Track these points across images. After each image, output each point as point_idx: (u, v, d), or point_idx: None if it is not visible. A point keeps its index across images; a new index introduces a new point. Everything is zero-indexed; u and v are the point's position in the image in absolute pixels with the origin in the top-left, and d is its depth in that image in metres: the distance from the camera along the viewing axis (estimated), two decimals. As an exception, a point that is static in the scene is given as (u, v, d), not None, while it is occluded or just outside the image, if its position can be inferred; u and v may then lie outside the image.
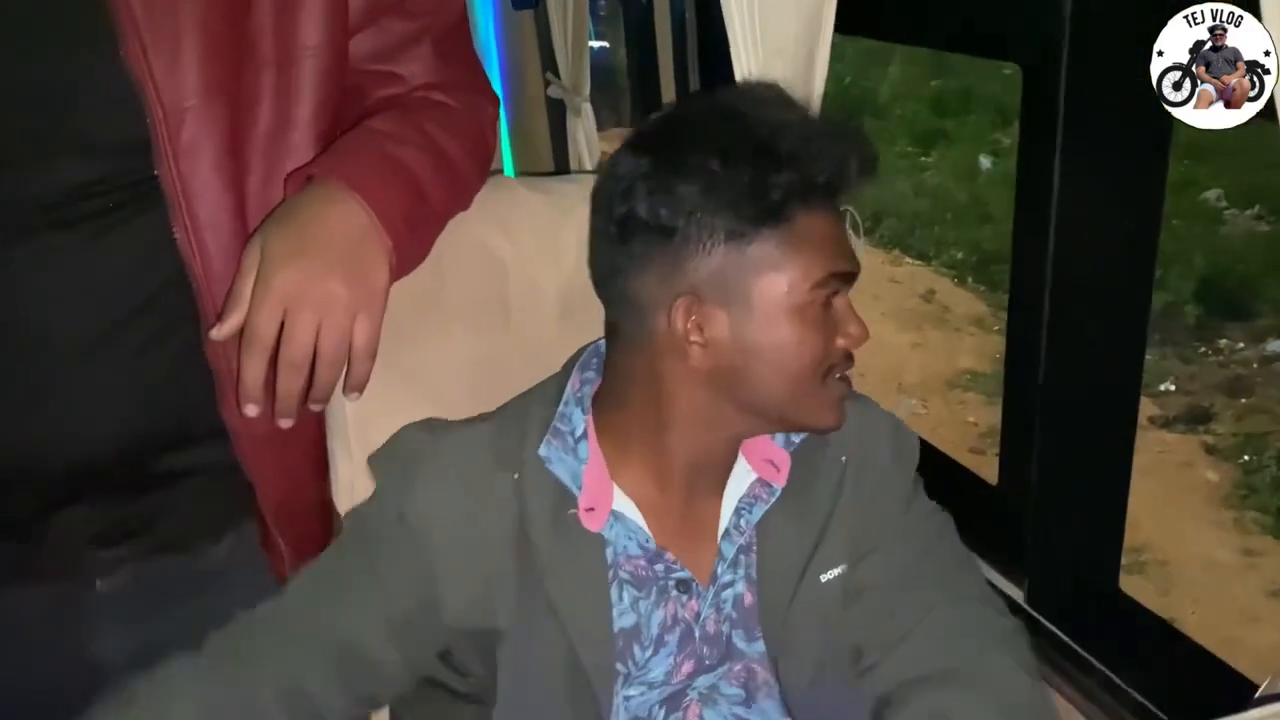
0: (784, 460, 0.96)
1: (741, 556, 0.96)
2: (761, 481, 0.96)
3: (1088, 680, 1.12)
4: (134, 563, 1.00)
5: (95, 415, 0.94)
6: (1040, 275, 1.11)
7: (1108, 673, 1.11)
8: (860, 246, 1.15)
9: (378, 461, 0.98)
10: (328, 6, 0.96)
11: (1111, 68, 0.97)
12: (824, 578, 0.95)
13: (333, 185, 0.92)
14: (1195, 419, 4.21)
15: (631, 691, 0.94)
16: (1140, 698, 1.08)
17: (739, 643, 0.96)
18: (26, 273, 0.90)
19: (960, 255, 5.62)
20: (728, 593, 0.95)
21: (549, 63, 2.16)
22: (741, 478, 0.96)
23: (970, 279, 5.43)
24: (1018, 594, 1.23)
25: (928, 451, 1.43)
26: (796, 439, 0.97)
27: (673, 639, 0.94)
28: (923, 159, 6.63)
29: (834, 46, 1.17)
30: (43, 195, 0.89)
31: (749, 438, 0.96)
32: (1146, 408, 4.17)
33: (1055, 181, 1.06)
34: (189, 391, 0.98)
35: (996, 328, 4.84)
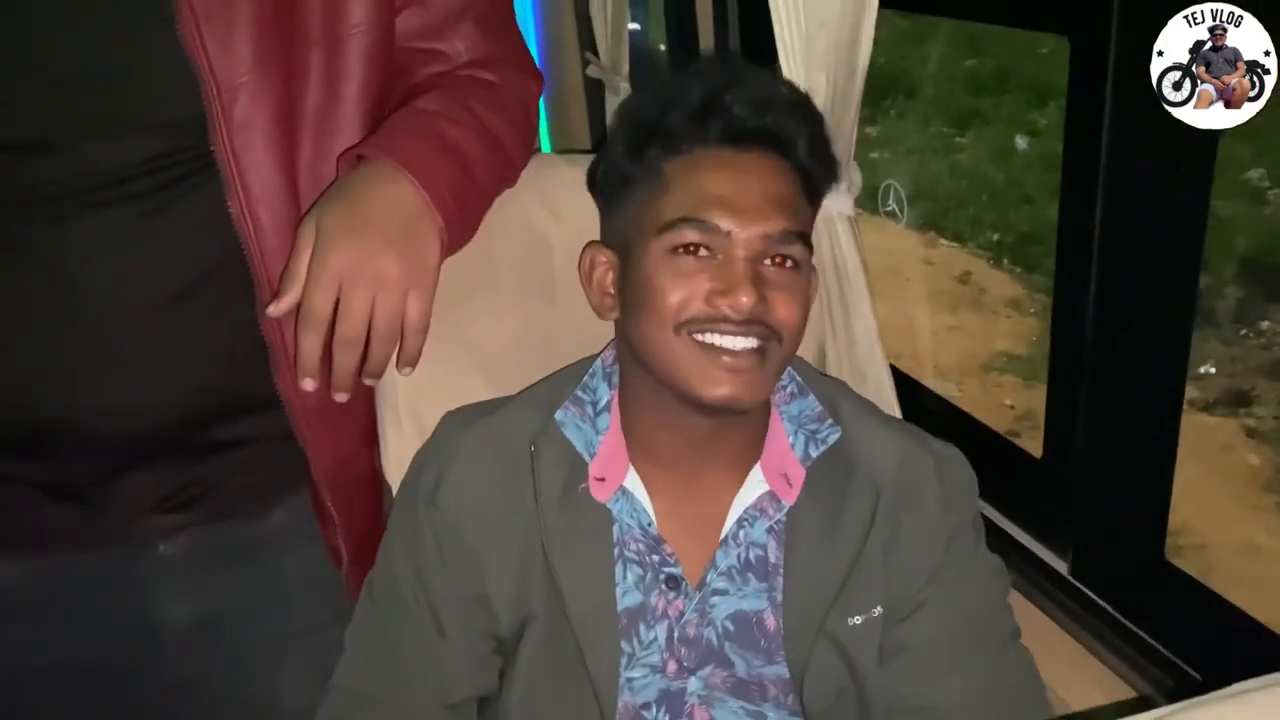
0: (798, 476, 0.94)
1: (755, 579, 0.94)
2: (771, 495, 0.94)
3: (1132, 651, 1.12)
4: (194, 528, 1.03)
5: (155, 384, 0.96)
6: (1087, 250, 1.10)
7: (1153, 643, 1.11)
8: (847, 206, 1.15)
9: (420, 459, 1.00)
10: None
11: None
12: (853, 620, 0.93)
13: (385, 165, 0.94)
14: (1236, 402, 4.14)
15: (635, 673, 0.94)
16: (1186, 667, 1.07)
17: (741, 658, 0.94)
18: (86, 246, 0.92)
19: (996, 237, 5.55)
20: (719, 600, 0.94)
21: (588, 42, 2.16)
22: (754, 487, 0.95)
23: (1006, 261, 5.36)
24: (1062, 566, 1.22)
25: (971, 425, 1.43)
26: (814, 453, 0.95)
27: (661, 630, 0.94)
28: (958, 139, 6.55)
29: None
30: (101, 172, 0.91)
31: (689, 425, 0.93)
32: (1186, 390, 4.12)
33: (1103, 156, 1.05)
34: (245, 363, 1.00)
35: (1033, 310, 4.78)
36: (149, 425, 0.97)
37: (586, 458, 0.94)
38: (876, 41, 1.15)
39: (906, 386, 1.28)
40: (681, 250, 0.88)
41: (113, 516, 1.01)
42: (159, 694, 1.07)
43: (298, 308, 0.93)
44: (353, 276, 0.91)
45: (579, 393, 0.97)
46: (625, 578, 0.93)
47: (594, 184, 1.02)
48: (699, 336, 0.87)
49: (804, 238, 0.91)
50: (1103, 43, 1.02)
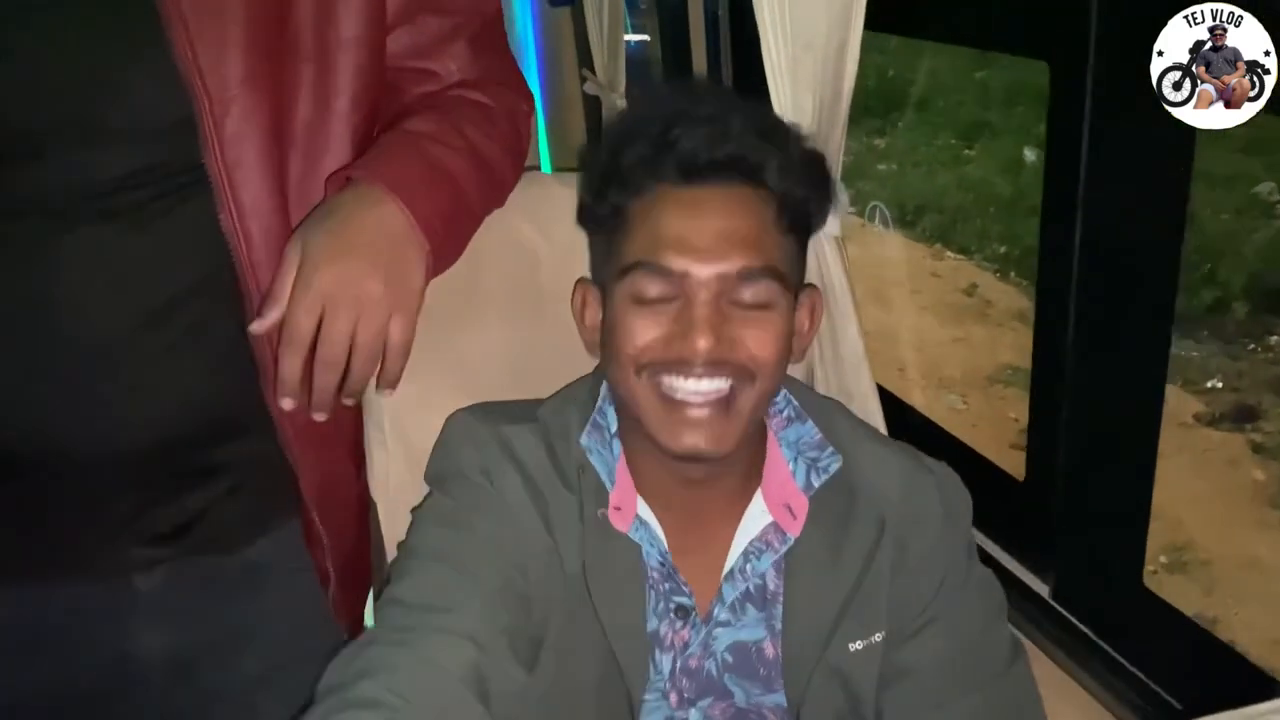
0: (801, 506, 0.93)
1: (753, 608, 0.93)
2: (775, 526, 0.93)
3: (1113, 677, 1.11)
4: (173, 562, 1.02)
5: (137, 403, 0.96)
6: (1067, 271, 1.11)
7: (1132, 669, 1.11)
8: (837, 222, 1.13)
9: (440, 451, 0.97)
10: (366, 2, 0.99)
11: (1137, 63, 0.98)
12: (854, 646, 0.91)
13: (374, 188, 0.95)
14: (1242, 417, 4.13)
15: (649, 696, 0.93)
16: (1166, 695, 1.07)
17: (739, 688, 0.93)
18: (69, 261, 0.92)
19: (1003, 249, 5.55)
20: (720, 632, 0.93)
21: (585, 59, 2.17)
22: (757, 519, 0.94)
23: (1013, 273, 5.35)
24: (1044, 589, 1.22)
25: (956, 447, 1.43)
26: (816, 482, 0.93)
27: (666, 661, 0.93)
28: (966, 151, 6.55)
29: (877, 39, 1.17)
30: (88, 184, 0.91)
31: (669, 460, 0.90)
32: (1192, 405, 4.10)
33: (1082, 176, 1.06)
34: (229, 381, 1.00)
35: (1039, 323, 4.78)
36: (129, 447, 0.96)
37: (608, 485, 0.93)
38: (886, 53, 1.16)
39: (892, 405, 1.28)
40: (643, 300, 0.87)
41: (89, 548, 1.00)
42: None
43: (280, 326, 0.93)
44: (337, 298, 0.92)
45: (596, 418, 0.95)
46: (651, 603, 0.92)
47: (580, 220, 1.01)
48: (663, 383, 0.86)
49: (773, 272, 0.87)
50: (1080, 66, 1.04)
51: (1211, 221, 4.79)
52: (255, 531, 1.07)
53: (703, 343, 0.83)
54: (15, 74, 0.88)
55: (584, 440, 0.93)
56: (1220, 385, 4.34)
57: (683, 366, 0.84)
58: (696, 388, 0.85)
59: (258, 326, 0.93)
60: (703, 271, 0.85)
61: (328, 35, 0.98)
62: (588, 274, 1.11)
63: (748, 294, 0.86)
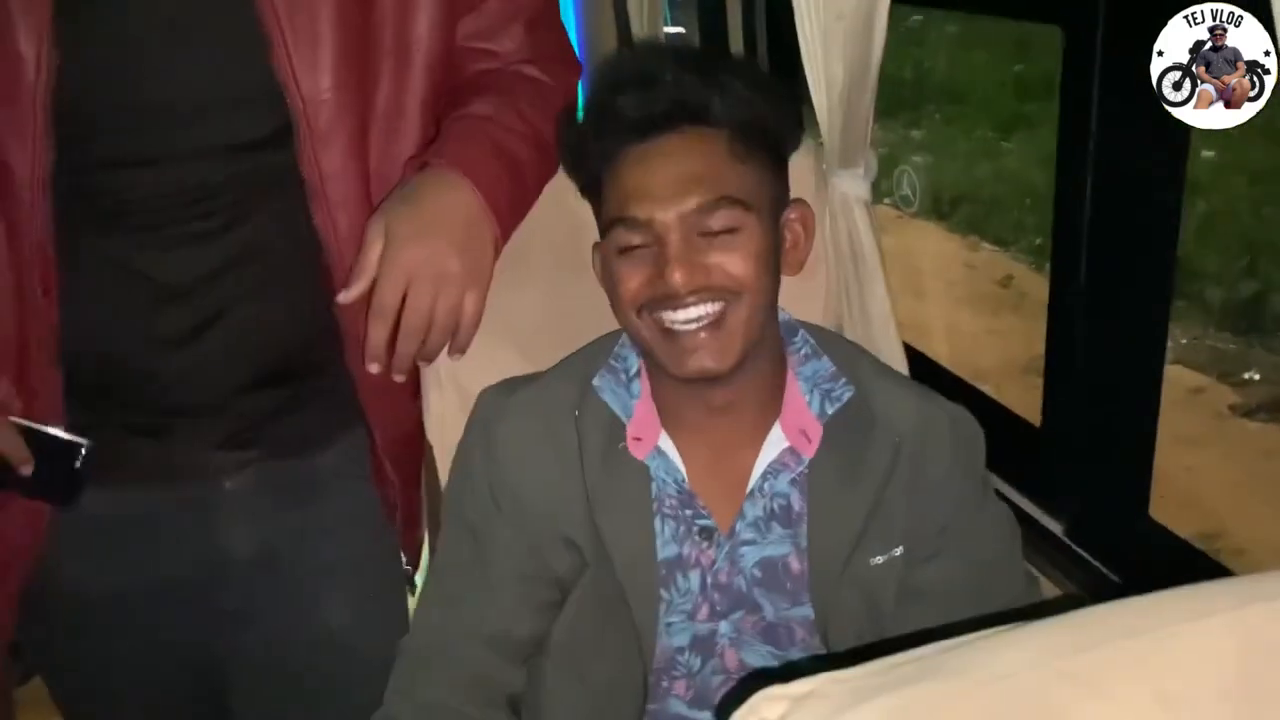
0: (816, 431, 1.00)
1: (779, 526, 1.00)
2: (792, 450, 1.01)
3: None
4: (255, 465, 1.13)
5: (229, 357, 1.08)
6: (1078, 235, 1.17)
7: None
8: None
9: (469, 426, 1.07)
10: None
11: (1147, 30, 1.03)
12: (874, 560, 0.99)
13: (449, 173, 1.03)
14: (1279, 408, 4.11)
15: (673, 619, 1.00)
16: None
17: (769, 601, 1.00)
18: (171, 252, 1.03)
19: (1039, 241, 5.52)
20: (747, 549, 1.00)
21: (627, 42, 2.20)
22: (775, 444, 1.01)
23: (1048, 265, 5.33)
24: (1058, 528, 1.29)
25: (978, 396, 1.49)
26: (830, 410, 1.01)
27: (694, 578, 1.00)
28: (1003, 144, 6.52)
29: (915, 31, 1.23)
30: (190, 188, 1.02)
31: (683, 386, 0.99)
32: (1227, 396, 4.08)
33: (1091, 145, 1.11)
34: (307, 343, 1.11)
35: (1075, 314, 4.76)
36: (224, 386, 1.09)
37: (624, 419, 1.01)
38: (923, 45, 1.21)
39: (917, 361, 1.34)
40: (625, 250, 0.96)
41: (185, 453, 1.11)
42: (224, 619, 1.17)
43: (365, 297, 1.02)
44: (420, 275, 1.00)
45: (611, 362, 1.05)
46: (663, 531, 1.00)
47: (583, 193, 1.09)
48: (660, 319, 0.95)
49: (730, 200, 0.94)
50: (1091, 32, 1.09)
51: (1251, 214, 4.76)
52: (323, 443, 1.18)
53: (678, 275, 0.92)
54: (140, 92, 0.99)
55: (596, 381, 1.02)
56: (1258, 377, 4.32)
57: (670, 300, 0.94)
58: (687, 315, 0.94)
59: (345, 297, 1.02)
60: (665, 214, 0.93)
61: (406, 30, 1.06)
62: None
63: (713, 223, 0.94)
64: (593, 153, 1.00)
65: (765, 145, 0.99)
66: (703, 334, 0.94)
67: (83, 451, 1.07)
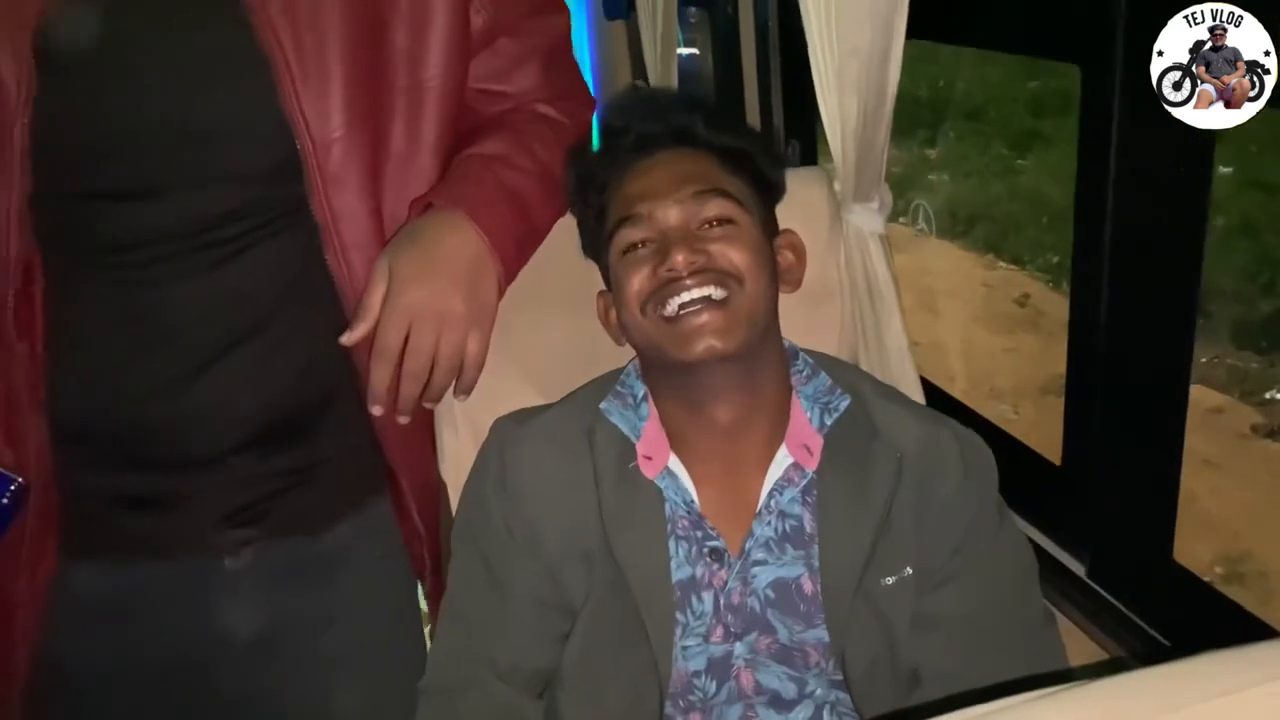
0: (817, 444, 1.02)
1: (792, 547, 1.00)
2: (796, 465, 1.02)
3: (1146, 650, 1.15)
4: (258, 543, 1.09)
5: (232, 403, 1.04)
6: (1099, 267, 1.15)
7: (1165, 643, 1.14)
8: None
9: (482, 456, 1.07)
10: (452, 34, 1.06)
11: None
12: (886, 581, 0.99)
13: (453, 213, 1.03)
14: (1304, 430, 4.06)
15: (689, 642, 1.00)
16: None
17: (782, 624, 1.00)
18: (174, 284, 1.01)
19: (1055, 259, 5.49)
20: (759, 570, 1.00)
21: (639, 71, 2.23)
22: (782, 463, 1.02)
23: (1065, 283, 5.30)
24: (1080, 569, 1.27)
25: (997, 433, 1.48)
26: (829, 421, 1.03)
27: (708, 599, 1.00)
28: (1018, 161, 6.51)
29: (928, 49, 1.23)
30: (195, 220, 1.00)
31: (687, 392, 1.02)
32: (1250, 416, 4.04)
33: (1111, 178, 1.11)
34: (316, 387, 1.08)
35: (1093, 332, 4.72)
36: (223, 440, 1.05)
37: (634, 439, 1.02)
38: (938, 63, 1.21)
39: (936, 397, 1.33)
40: (629, 249, 1.01)
41: (183, 529, 1.07)
42: (222, 703, 1.11)
43: (368, 338, 1.00)
44: (422, 316, 1.00)
45: (618, 388, 1.07)
46: (678, 552, 1.00)
47: (586, 250, 1.13)
48: (665, 308, 0.98)
49: (724, 192, 1.01)
50: (1109, 69, 1.08)
51: (1271, 230, 4.72)
52: (336, 517, 1.13)
53: (680, 256, 0.97)
54: (144, 123, 0.98)
55: (604, 405, 1.04)
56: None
57: (673, 285, 0.97)
58: (690, 296, 0.97)
59: (349, 338, 1.01)
60: (666, 207, 1.00)
61: (418, 71, 1.05)
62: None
63: (709, 211, 1.00)
64: (599, 174, 1.06)
65: (749, 172, 1.06)
66: (706, 314, 0.97)
67: (14, 487, 1.02)
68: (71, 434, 1.04)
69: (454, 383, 1.05)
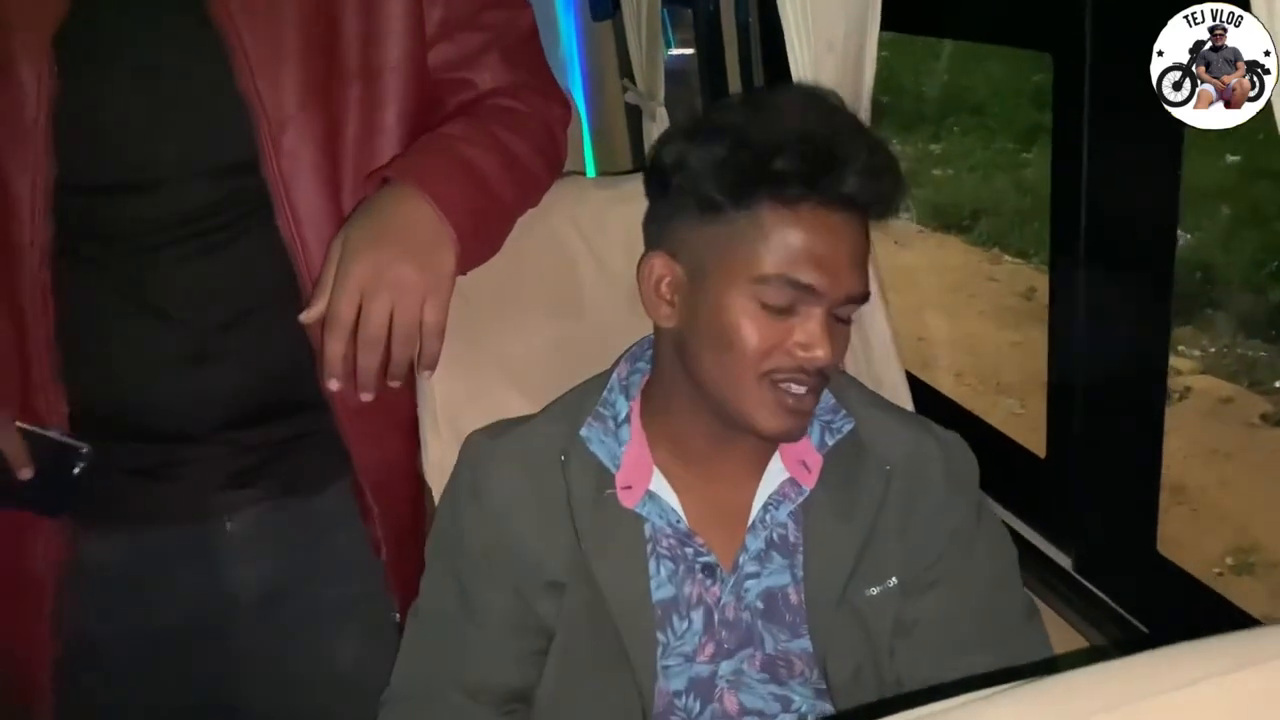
0: (816, 462, 1.01)
1: (779, 556, 1.00)
2: (792, 481, 1.01)
3: (1133, 644, 1.15)
4: (258, 504, 1.14)
5: (221, 385, 1.09)
6: (1075, 257, 1.15)
7: (1150, 634, 1.13)
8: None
9: (457, 472, 1.06)
10: (407, 24, 1.09)
11: (1131, 54, 1.02)
12: (871, 591, 0.98)
13: (405, 185, 1.04)
14: (1310, 419, 4.03)
15: (670, 661, 0.99)
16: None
17: (769, 634, 0.99)
18: (162, 274, 1.06)
19: (1062, 252, 5.45)
20: (751, 583, 1.00)
21: (626, 70, 2.24)
22: (775, 475, 1.01)
23: (1072, 276, 5.27)
24: (1066, 562, 1.26)
25: (982, 427, 1.47)
26: (830, 441, 1.01)
27: (698, 617, 0.99)
28: (1023, 155, 6.48)
29: (929, 44, 1.22)
30: (181, 212, 1.05)
31: (721, 429, 0.98)
32: (1258, 405, 4.01)
33: (1084, 168, 1.10)
34: (297, 370, 1.10)
35: (1099, 325, 4.70)
36: (216, 417, 1.10)
37: (612, 469, 1.00)
38: (939, 58, 1.21)
39: (920, 391, 1.32)
40: (776, 300, 0.91)
41: (187, 495, 1.12)
42: (230, 661, 1.17)
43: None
44: (373, 284, 1.01)
45: (600, 409, 1.03)
46: (659, 572, 0.99)
47: (660, 190, 0.99)
48: (779, 383, 0.93)
49: (866, 295, 0.95)
50: (1079, 58, 1.08)
51: (1279, 219, 4.69)
52: (331, 479, 1.18)
53: (823, 354, 0.91)
54: (129, 120, 1.04)
55: (584, 432, 1.01)
56: (1288, 386, 4.25)
57: (800, 373, 0.92)
58: (801, 389, 0.93)
59: (306, 316, 1.03)
60: (835, 292, 0.91)
61: (373, 56, 1.08)
62: (628, 269, 1.12)
63: (847, 312, 0.94)
64: (779, 188, 0.90)
65: None
66: (807, 403, 0.94)
67: (83, 454, 1.07)
68: (85, 412, 1.09)
69: (417, 358, 1.06)
